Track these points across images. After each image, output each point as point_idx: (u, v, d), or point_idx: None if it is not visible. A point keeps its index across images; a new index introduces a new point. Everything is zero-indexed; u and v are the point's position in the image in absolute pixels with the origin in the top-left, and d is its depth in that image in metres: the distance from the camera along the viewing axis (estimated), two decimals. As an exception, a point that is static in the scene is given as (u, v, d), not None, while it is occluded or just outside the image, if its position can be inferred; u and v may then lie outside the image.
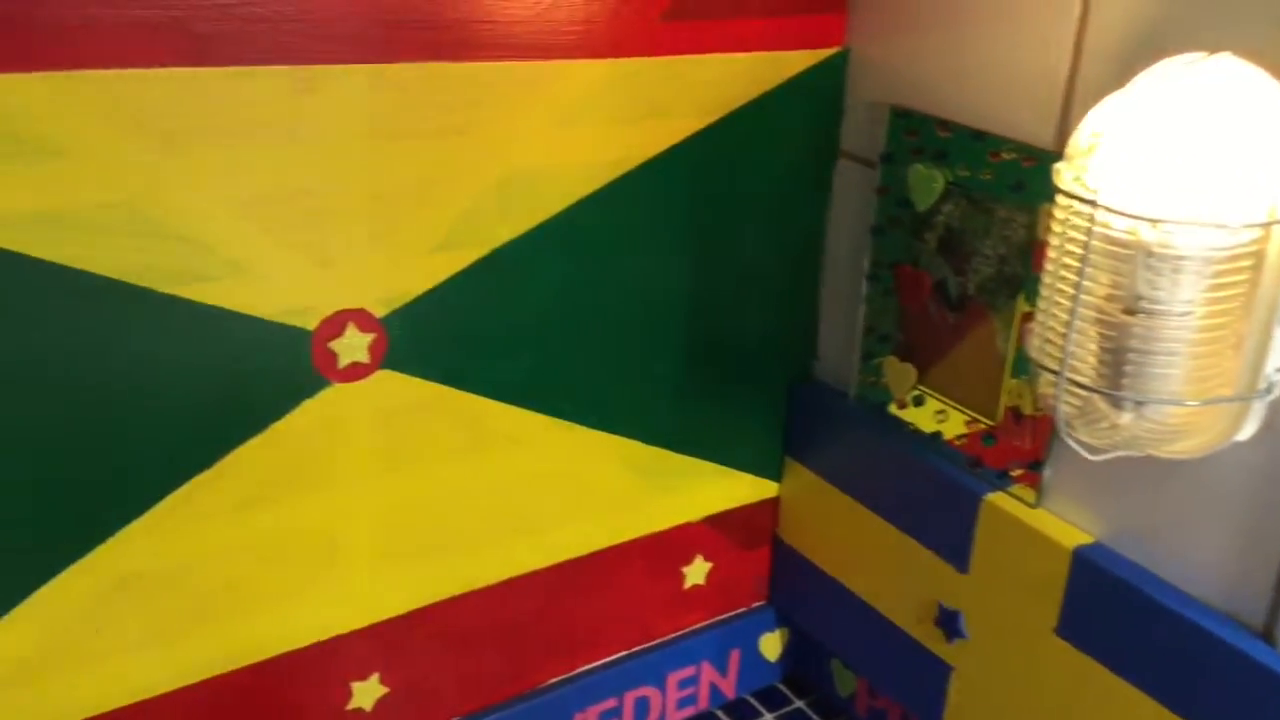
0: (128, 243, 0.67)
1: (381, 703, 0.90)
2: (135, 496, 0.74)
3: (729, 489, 1.04)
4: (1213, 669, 0.72)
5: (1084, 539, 0.81)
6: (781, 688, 1.13)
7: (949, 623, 0.90)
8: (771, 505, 1.07)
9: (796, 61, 0.91)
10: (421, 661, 0.91)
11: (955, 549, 0.89)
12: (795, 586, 1.08)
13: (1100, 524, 0.81)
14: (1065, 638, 0.81)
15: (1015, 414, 0.85)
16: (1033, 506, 0.84)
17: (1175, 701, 0.74)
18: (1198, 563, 0.75)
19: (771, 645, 1.11)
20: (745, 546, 1.07)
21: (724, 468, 1.02)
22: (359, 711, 0.89)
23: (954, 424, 0.90)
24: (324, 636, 0.85)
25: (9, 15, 0.61)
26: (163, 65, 0.65)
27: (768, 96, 0.90)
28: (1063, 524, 0.82)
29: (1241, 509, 0.72)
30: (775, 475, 1.06)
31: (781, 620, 1.11)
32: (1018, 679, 0.85)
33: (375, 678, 0.89)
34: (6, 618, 0.72)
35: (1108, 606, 0.78)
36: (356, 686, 0.88)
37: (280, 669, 0.84)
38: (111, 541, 0.74)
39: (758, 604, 1.11)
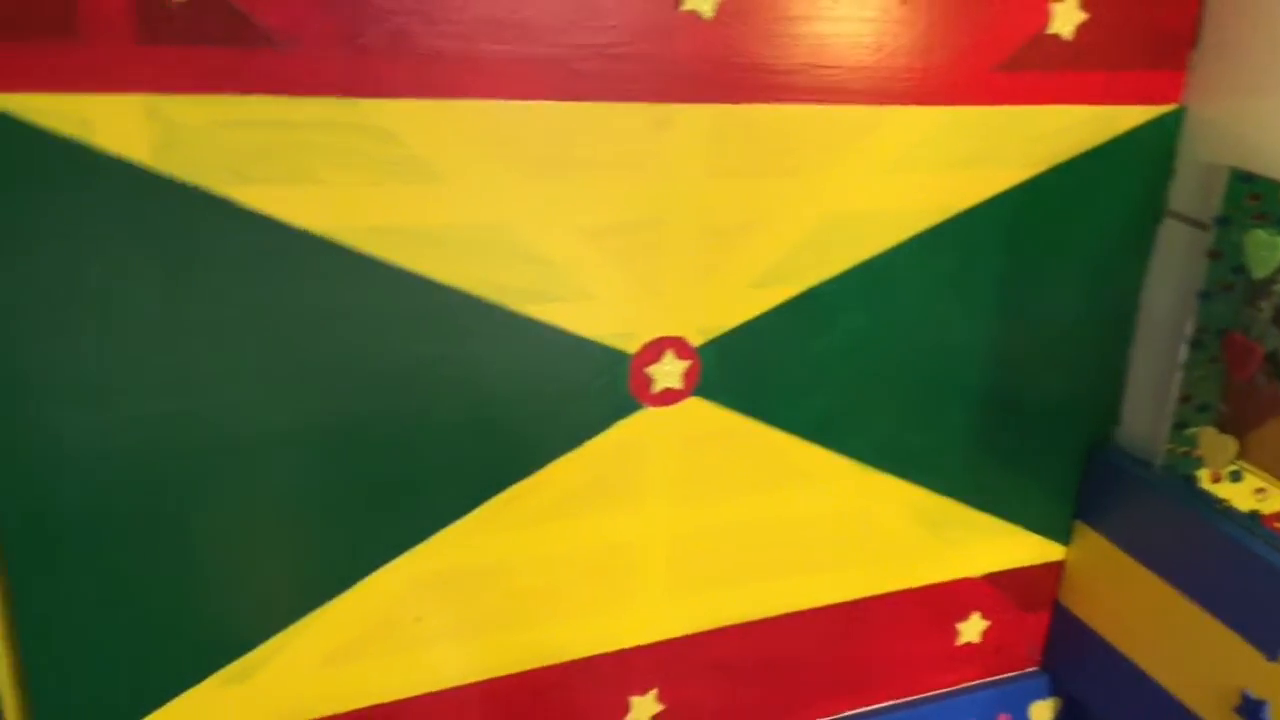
0: (490, 262, 0.72)
1: (657, 719, 0.92)
2: (461, 497, 0.79)
3: (1014, 548, 1.01)
4: None
5: None
6: (1049, 759, 1.09)
7: (1253, 713, 0.85)
8: (1055, 569, 1.04)
9: (1130, 117, 0.88)
10: (697, 685, 0.93)
11: (1266, 635, 0.84)
12: (1074, 655, 1.04)
13: None
14: (1397, 746, 0.75)
15: (1353, 500, 0.79)
16: (1366, 601, 0.79)
17: None
18: None
19: (1042, 714, 1.08)
20: (1024, 608, 1.04)
21: (1011, 525, 1.00)
22: (634, 725, 0.92)
23: (1274, 502, 0.85)
24: (613, 648, 0.88)
25: (410, 46, 0.66)
26: (540, 98, 0.69)
27: (1097, 151, 0.88)
28: (1401, 623, 0.77)
29: None
30: (1063, 538, 1.03)
31: (1055, 689, 1.07)
32: (1334, 784, 0.80)
33: (653, 694, 0.91)
34: (339, 599, 0.78)
35: None
36: (635, 701, 0.91)
37: (571, 674, 0.87)
38: (437, 537, 0.79)
39: (1031, 669, 1.07)
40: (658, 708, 0.92)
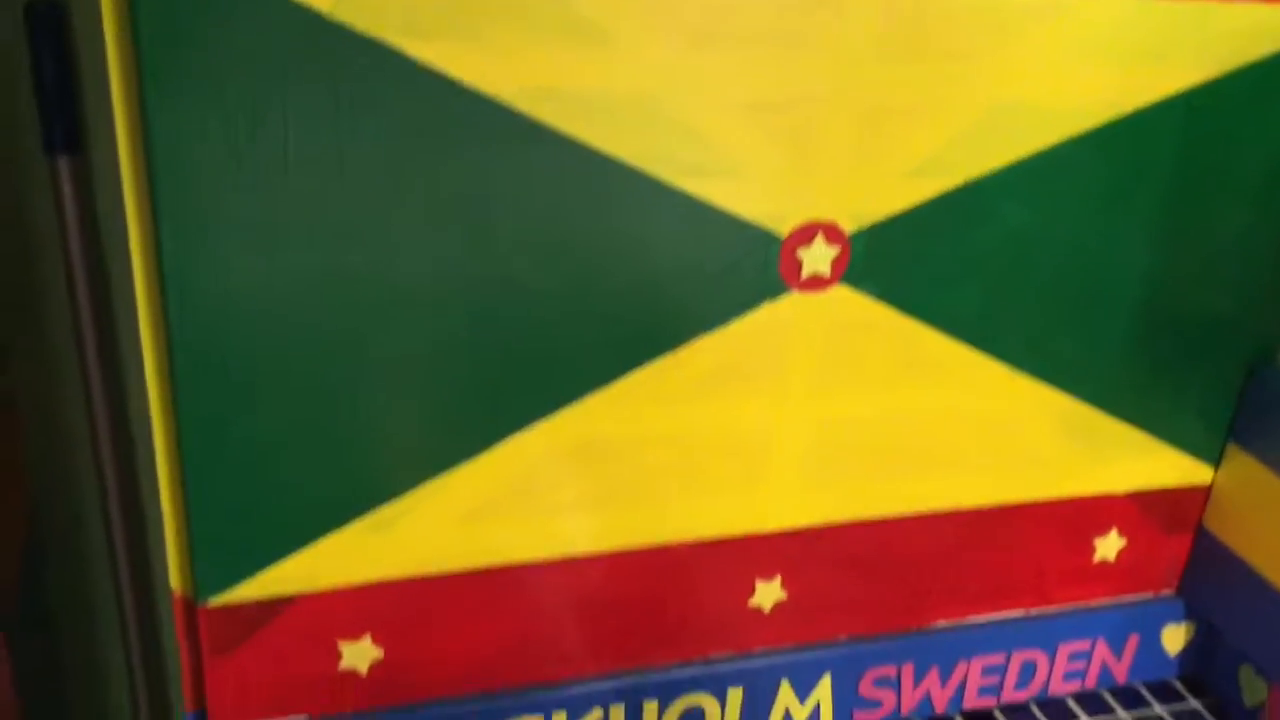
0: (647, 132, 0.72)
1: (778, 607, 0.93)
2: (603, 368, 0.80)
3: (1160, 466, 0.98)
4: None
5: None
6: (1177, 684, 1.07)
7: None
8: (1202, 491, 1.01)
9: (1331, 15, 0.83)
10: (821, 577, 0.93)
11: None
12: (1213, 580, 1.01)
13: None
14: None
15: None
16: None
17: None
18: None
19: (1174, 638, 1.05)
20: (1165, 530, 1.01)
21: (1160, 442, 0.97)
22: (758, 610, 0.92)
23: None
24: (741, 533, 0.89)
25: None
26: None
27: (1287, 53, 0.83)
28: None
29: None
30: (1213, 460, 0.99)
31: (1190, 614, 1.05)
32: None
33: (778, 580, 0.92)
34: (480, 459, 0.80)
35: None
36: (760, 585, 0.91)
37: (697, 554, 0.88)
38: (577, 406, 0.80)
39: (1165, 592, 1.05)
40: (781, 595, 0.92)
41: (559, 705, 0.89)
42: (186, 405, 0.72)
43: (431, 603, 0.84)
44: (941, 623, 0.99)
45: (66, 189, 0.80)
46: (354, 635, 0.83)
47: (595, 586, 0.87)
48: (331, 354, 0.73)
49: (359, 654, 0.83)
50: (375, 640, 0.83)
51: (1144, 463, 0.98)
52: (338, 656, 0.83)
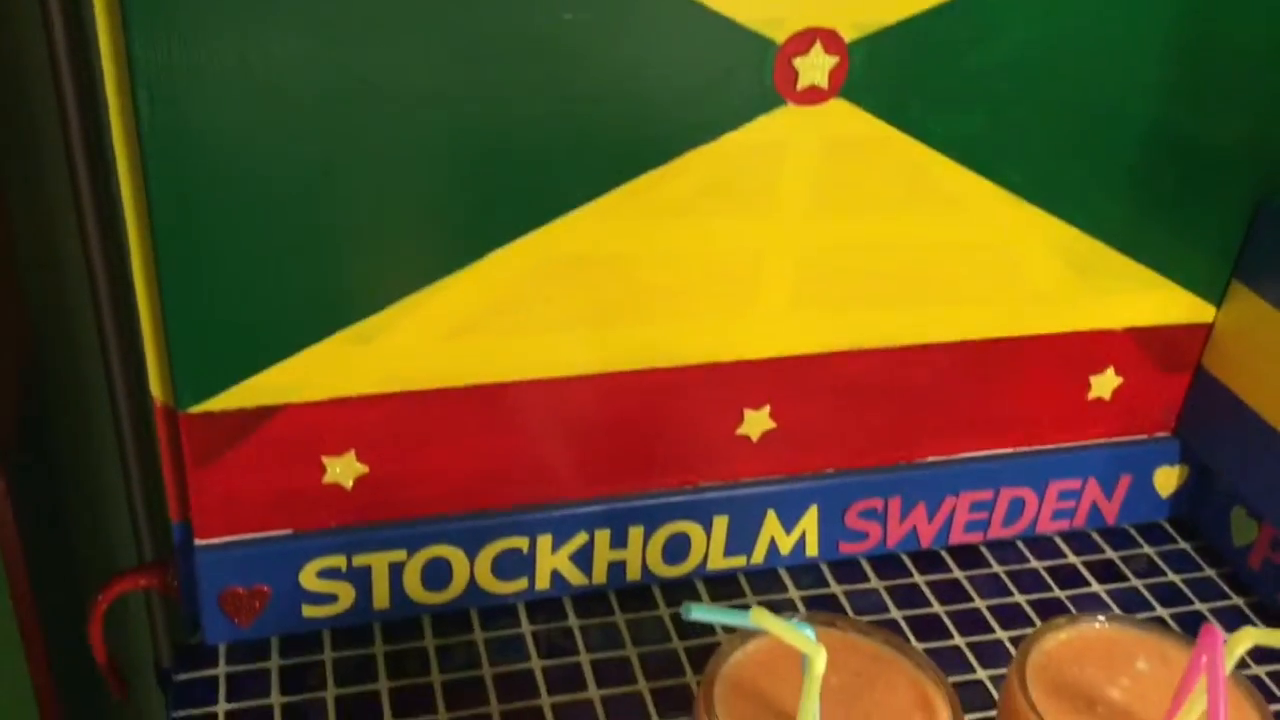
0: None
1: (766, 436, 0.92)
2: (592, 180, 0.77)
3: (1162, 302, 0.96)
4: None
5: None
6: (1167, 526, 1.06)
7: (1402, 482, 0.80)
8: (1203, 330, 0.99)
9: None
10: (811, 407, 0.92)
11: None
12: (1209, 421, 1.00)
13: None
14: None
15: None
16: None
17: None
18: None
19: (1166, 480, 1.05)
20: (1163, 369, 1.00)
21: (1162, 278, 0.95)
22: (745, 439, 0.92)
23: None
24: (730, 358, 0.87)
25: None
26: None
27: None
28: None
29: None
30: (1216, 299, 0.97)
31: (1185, 456, 1.04)
32: None
33: (766, 409, 0.91)
34: (465, 272, 0.78)
35: None
36: (749, 414, 0.91)
37: (685, 378, 0.87)
38: (565, 220, 0.78)
39: (1162, 434, 1.04)
40: (770, 424, 0.92)
41: (544, 528, 0.89)
42: (160, 206, 0.70)
43: (417, 420, 0.83)
44: (931, 457, 0.98)
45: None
46: (338, 450, 0.82)
47: (583, 409, 0.86)
48: (311, 157, 0.71)
49: (343, 469, 0.83)
50: (360, 456, 0.83)
51: (1145, 299, 0.96)
52: (321, 470, 0.83)
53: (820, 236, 0.84)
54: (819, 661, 0.49)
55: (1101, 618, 0.58)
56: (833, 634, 0.56)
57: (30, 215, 0.94)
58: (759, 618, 0.48)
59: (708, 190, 0.80)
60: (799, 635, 0.49)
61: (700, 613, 0.47)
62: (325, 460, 0.82)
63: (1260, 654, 0.90)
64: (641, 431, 0.89)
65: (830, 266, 0.86)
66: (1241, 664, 0.52)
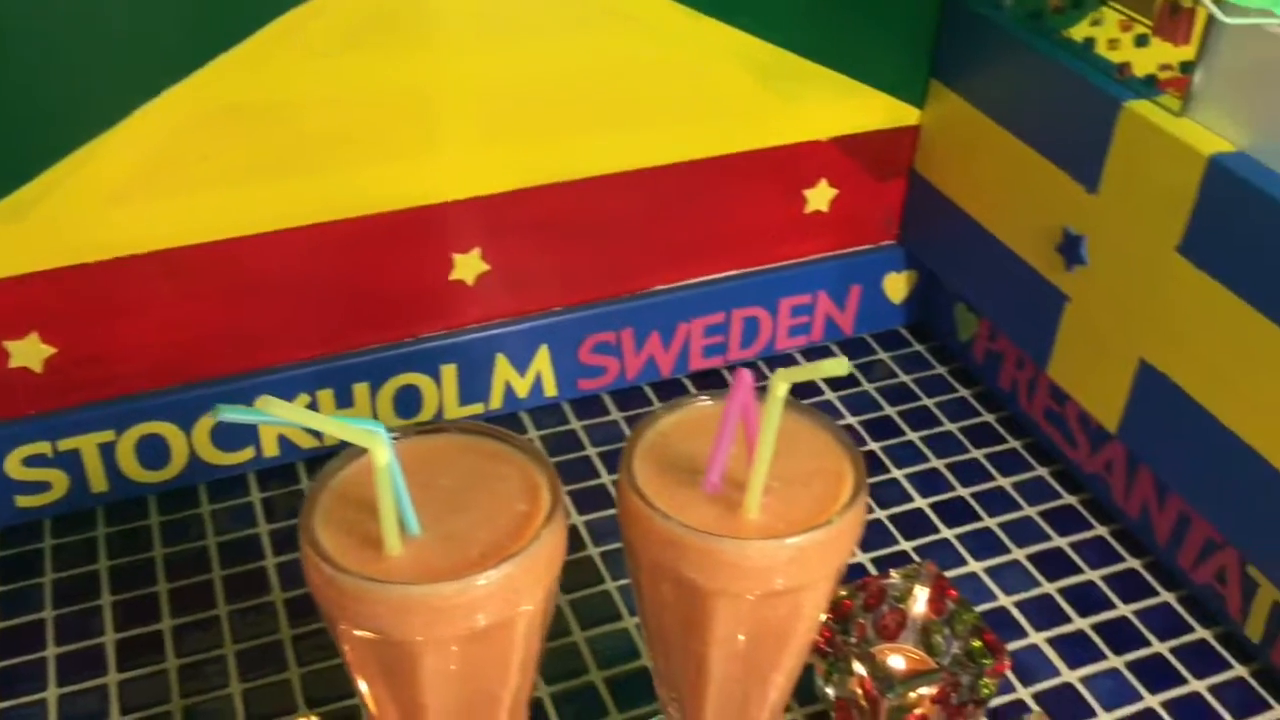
0: None
1: (483, 279, 0.92)
2: (236, 21, 0.75)
3: (863, 109, 0.97)
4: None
5: (1224, 147, 0.72)
6: (903, 331, 1.09)
7: (1071, 249, 0.83)
8: (910, 134, 1.00)
9: None
10: (521, 246, 0.92)
11: (1088, 166, 0.81)
12: (927, 225, 1.02)
13: (1245, 133, 0.71)
14: (1187, 255, 0.74)
15: (1173, 6, 0.74)
16: (1176, 115, 0.75)
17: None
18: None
19: (896, 286, 1.07)
20: (876, 176, 1.02)
21: (859, 84, 0.96)
22: (460, 284, 0.91)
23: (1109, 28, 0.81)
24: (425, 202, 0.86)
25: None
26: None
27: None
28: (1205, 133, 0.73)
29: None
30: (918, 101, 0.99)
31: (911, 263, 1.06)
32: (1131, 305, 0.79)
33: (476, 252, 0.90)
34: (115, 131, 0.75)
35: (1236, 220, 0.70)
36: (458, 258, 0.90)
37: (382, 227, 0.86)
38: (213, 66, 0.75)
39: (887, 242, 1.06)
40: (483, 267, 0.91)
41: (260, 393, 0.88)
42: None
43: (98, 294, 0.81)
44: (658, 286, 0.99)
45: None
46: (18, 333, 0.80)
47: (276, 268, 0.85)
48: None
49: (28, 352, 0.81)
50: (44, 337, 0.81)
51: (845, 106, 0.97)
52: (6, 355, 0.80)
53: (494, 68, 0.83)
54: (380, 453, 0.49)
55: (706, 396, 0.60)
56: (445, 438, 0.57)
57: None
58: (266, 404, 0.47)
59: (358, 27, 0.78)
60: (350, 429, 0.49)
61: (230, 414, 0.47)
62: (6, 344, 0.80)
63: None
64: (348, 286, 0.88)
65: (512, 97, 0.85)
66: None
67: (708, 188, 0.96)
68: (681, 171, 0.94)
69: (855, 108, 0.97)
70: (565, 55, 0.85)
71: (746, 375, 0.53)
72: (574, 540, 0.85)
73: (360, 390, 0.91)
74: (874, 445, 0.96)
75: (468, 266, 0.91)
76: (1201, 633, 0.80)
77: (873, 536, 0.87)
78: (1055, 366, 0.88)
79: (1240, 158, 0.71)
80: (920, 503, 0.91)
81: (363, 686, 0.56)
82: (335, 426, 0.50)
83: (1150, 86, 0.78)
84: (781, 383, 0.53)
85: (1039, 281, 0.88)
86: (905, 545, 0.87)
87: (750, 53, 0.90)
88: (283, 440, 0.91)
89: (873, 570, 0.84)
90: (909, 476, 0.93)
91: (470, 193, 0.88)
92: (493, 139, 0.86)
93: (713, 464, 0.54)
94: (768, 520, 0.55)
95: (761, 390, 0.54)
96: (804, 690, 0.75)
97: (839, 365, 0.53)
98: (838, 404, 1.00)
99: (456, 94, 0.83)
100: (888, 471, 0.94)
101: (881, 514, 0.90)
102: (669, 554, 0.54)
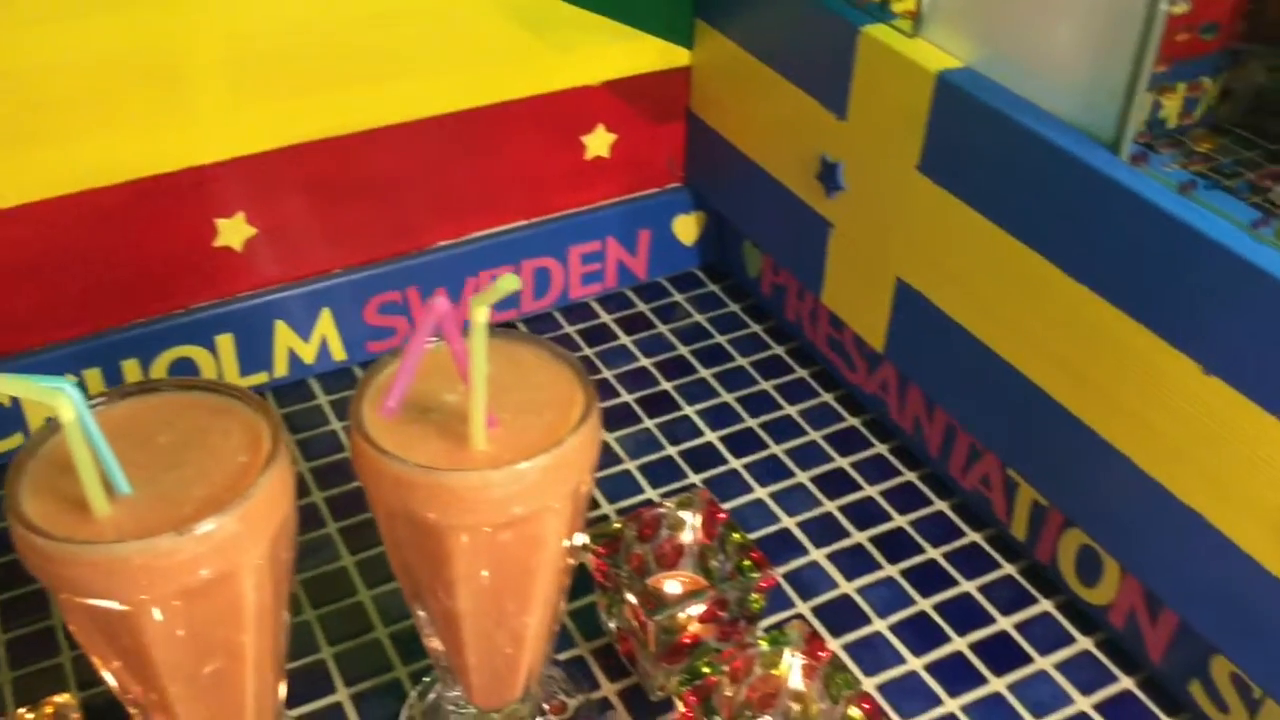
0: None
1: (251, 245, 0.89)
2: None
3: (632, 52, 0.98)
4: (1063, 187, 0.67)
5: (951, 63, 0.74)
6: (698, 273, 1.11)
7: (829, 176, 0.85)
8: (682, 75, 1.01)
9: None
10: (289, 207, 0.90)
11: (836, 93, 0.83)
12: (708, 165, 1.03)
13: (971, 49, 0.74)
14: (927, 173, 0.76)
15: (898, -71, 0.76)
16: (910, 36, 0.77)
17: (1028, 232, 0.70)
18: (1058, 84, 0.68)
19: (686, 228, 1.08)
20: (654, 120, 1.02)
21: (625, 27, 0.96)
22: (228, 250, 0.89)
23: (848, -43, 0.82)
24: (178, 166, 0.84)
25: None
26: None
27: None
28: (935, 51, 0.76)
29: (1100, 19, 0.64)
30: (686, 41, 1.00)
31: (699, 204, 1.08)
32: (884, 226, 0.81)
33: (241, 216, 0.88)
34: None
35: (966, 135, 0.72)
36: (221, 223, 0.88)
37: (134, 195, 0.83)
38: (-77, 35, 0.72)
39: (673, 185, 1.07)
40: (250, 231, 0.89)
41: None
42: None
43: None
44: (442, 242, 0.98)
45: None
46: None
47: (28, 244, 0.81)
48: None
49: None
50: None
51: (615, 50, 0.97)
52: None
53: (238, 24, 0.81)
54: (64, 410, 0.47)
55: (433, 340, 0.60)
56: (164, 396, 0.56)
57: None
58: None
59: (78, -13, 0.75)
60: (32, 387, 0.47)
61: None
62: None
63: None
64: (105, 259, 0.85)
65: (259, 54, 0.83)
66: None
67: (483, 138, 0.95)
68: (453, 122, 0.93)
69: (625, 51, 0.97)
70: (315, 7, 0.83)
71: (435, 301, 0.53)
72: (360, 504, 0.84)
73: (130, 366, 0.88)
74: (667, 385, 0.97)
75: (233, 231, 0.88)
76: (972, 536, 0.84)
77: (664, 472, 0.88)
78: (828, 293, 0.90)
79: (966, 73, 0.73)
80: (710, 436, 0.92)
81: (98, 663, 0.55)
82: (17, 386, 0.48)
83: (885, 10, 0.79)
84: (479, 307, 0.53)
85: (805, 211, 0.89)
86: (695, 478, 0.88)
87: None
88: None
89: (662, 505, 0.86)
90: (700, 412, 0.94)
91: (228, 154, 0.85)
92: (249, 96, 0.84)
93: (392, 390, 0.55)
94: (496, 451, 0.55)
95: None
96: (590, 626, 0.76)
97: (512, 281, 0.54)
98: (632, 347, 1.01)
99: (205, 49, 0.80)
100: (679, 409, 0.95)
101: (672, 450, 0.91)
102: (399, 494, 0.54)
